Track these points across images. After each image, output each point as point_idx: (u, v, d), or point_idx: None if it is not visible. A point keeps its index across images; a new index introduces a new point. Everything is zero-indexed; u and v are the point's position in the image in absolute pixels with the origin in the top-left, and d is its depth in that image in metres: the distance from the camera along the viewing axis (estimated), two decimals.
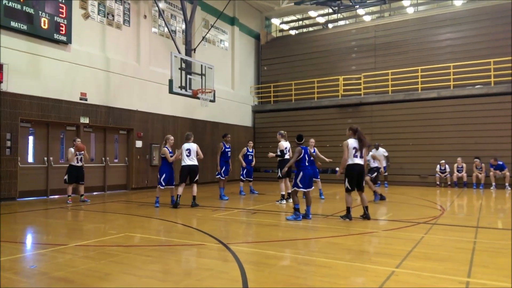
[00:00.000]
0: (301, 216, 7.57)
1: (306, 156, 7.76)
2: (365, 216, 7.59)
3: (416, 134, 17.38)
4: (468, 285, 3.70)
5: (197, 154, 9.56)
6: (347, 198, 7.56)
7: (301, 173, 7.64)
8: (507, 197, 12.37)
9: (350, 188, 7.53)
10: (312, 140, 11.13)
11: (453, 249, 5.20)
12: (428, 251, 5.04)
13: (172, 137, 9.91)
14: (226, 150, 11.55)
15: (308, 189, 7.76)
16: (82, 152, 10.63)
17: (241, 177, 12.61)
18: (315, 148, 10.96)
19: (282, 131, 10.72)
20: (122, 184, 14.47)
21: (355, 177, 7.52)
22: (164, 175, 9.57)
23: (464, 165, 15.71)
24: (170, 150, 9.76)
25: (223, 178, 11.43)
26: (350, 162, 7.50)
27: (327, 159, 10.93)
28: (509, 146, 15.25)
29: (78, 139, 10.82)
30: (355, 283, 3.80)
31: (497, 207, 10.35)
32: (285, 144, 10.43)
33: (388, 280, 3.82)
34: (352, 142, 7.52)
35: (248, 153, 12.65)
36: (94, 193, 13.14)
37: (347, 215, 7.49)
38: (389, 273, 4.02)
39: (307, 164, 7.74)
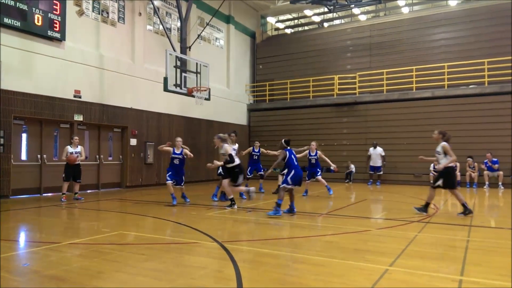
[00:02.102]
0: (281, 212, 7.74)
1: (292, 156, 8.11)
2: (466, 212, 7.77)
3: (410, 133, 17.46)
4: (461, 283, 3.72)
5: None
6: (431, 193, 8.01)
7: (293, 171, 7.90)
8: (500, 196, 12.47)
9: (442, 186, 7.89)
10: (313, 143, 11.69)
11: (447, 248, 5.23)
12: (422, 250, 5.06)
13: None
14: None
15: (296, 187, 8.06)
16: (79, 151, 10.61)
17: (247, 174, 12.59)
18: (317, 150, 11.66)
19: (221, 134, 9.59)
20: (116, 182, 14.40)
21: (452, 177, 7.92)
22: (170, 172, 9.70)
23: (458, 164, 15.80)
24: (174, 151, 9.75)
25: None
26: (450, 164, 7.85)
27: (332, 164, 11.90)
28: (502, 146, 15.37)
29: (76, 137, 10.73)
30: (349, 282, 3.81)
31: (490, 206, 10.43)
32: (230, 148, 9.24)
33: (382, 278, 3.83)
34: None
35: (253, 152, 12.65)
36: (88, 191, 13.07)
37: (424, 209, 8.01)
38: (382, 271, 4.03)
39: (296, 163, 8.07)
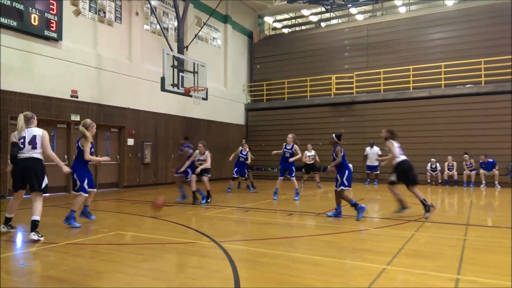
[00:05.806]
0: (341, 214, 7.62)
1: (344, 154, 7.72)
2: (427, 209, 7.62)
3: (407, 133, 17.40)
4: (458, 281, 3.74)
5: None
6: (394, 190, 8.19)
7: (347, 172, 7.56)
8: (496, 195, 12.53)
9: (396, 181, 8.09)
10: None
11: (443, 247, 5.26)
12: (419, 249, 5.09)
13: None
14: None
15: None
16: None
17: (233, 174, 13.04)
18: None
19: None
20: (114, 182, 14.37)
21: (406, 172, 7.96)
22: None
23: (455, 163, 15.86)
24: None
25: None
26: (401, 159, 7.94)
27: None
28: (499, 145, 15.42)
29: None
30: (348, 281, 3.83)
31: (487, 205, 10.48)
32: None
33: (379, 277, 3.85)
34: (395, 142, 7.97)
35: (241, 154, 12.90)
36: None
37: (403, 207, 8.06)
38: (380, 271, 4.05)
39: (346, 162, 7.71)
